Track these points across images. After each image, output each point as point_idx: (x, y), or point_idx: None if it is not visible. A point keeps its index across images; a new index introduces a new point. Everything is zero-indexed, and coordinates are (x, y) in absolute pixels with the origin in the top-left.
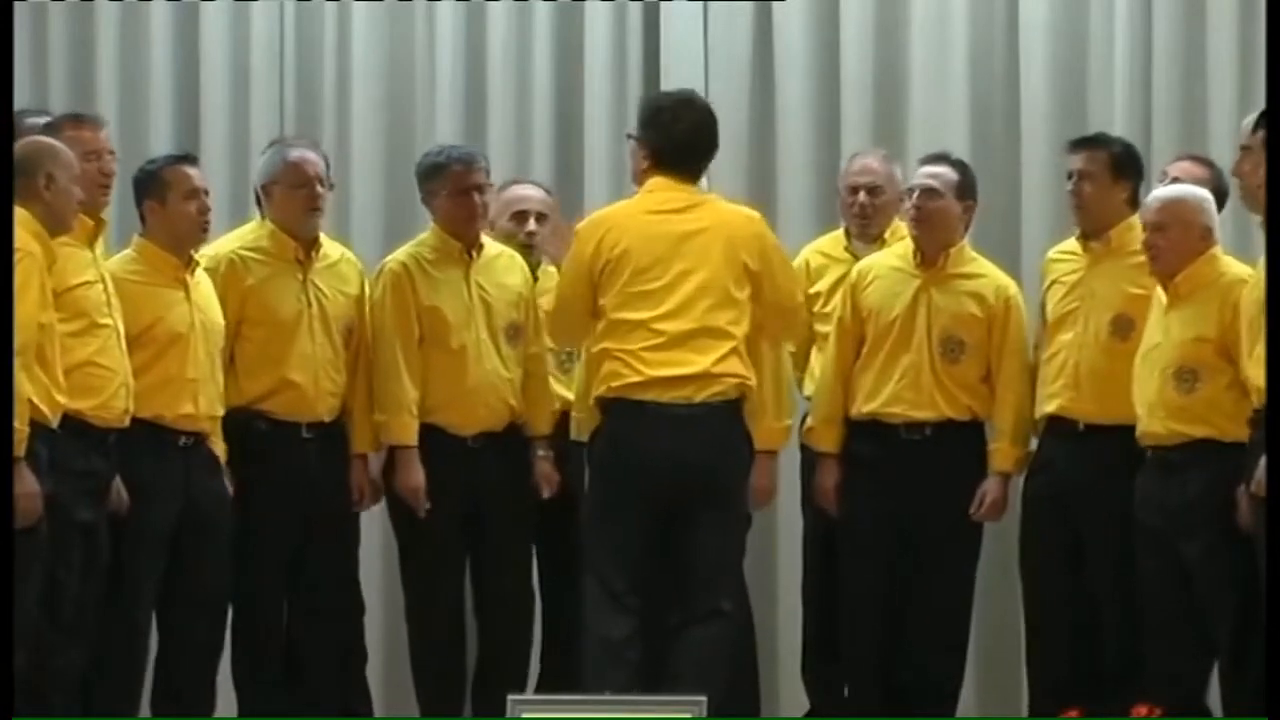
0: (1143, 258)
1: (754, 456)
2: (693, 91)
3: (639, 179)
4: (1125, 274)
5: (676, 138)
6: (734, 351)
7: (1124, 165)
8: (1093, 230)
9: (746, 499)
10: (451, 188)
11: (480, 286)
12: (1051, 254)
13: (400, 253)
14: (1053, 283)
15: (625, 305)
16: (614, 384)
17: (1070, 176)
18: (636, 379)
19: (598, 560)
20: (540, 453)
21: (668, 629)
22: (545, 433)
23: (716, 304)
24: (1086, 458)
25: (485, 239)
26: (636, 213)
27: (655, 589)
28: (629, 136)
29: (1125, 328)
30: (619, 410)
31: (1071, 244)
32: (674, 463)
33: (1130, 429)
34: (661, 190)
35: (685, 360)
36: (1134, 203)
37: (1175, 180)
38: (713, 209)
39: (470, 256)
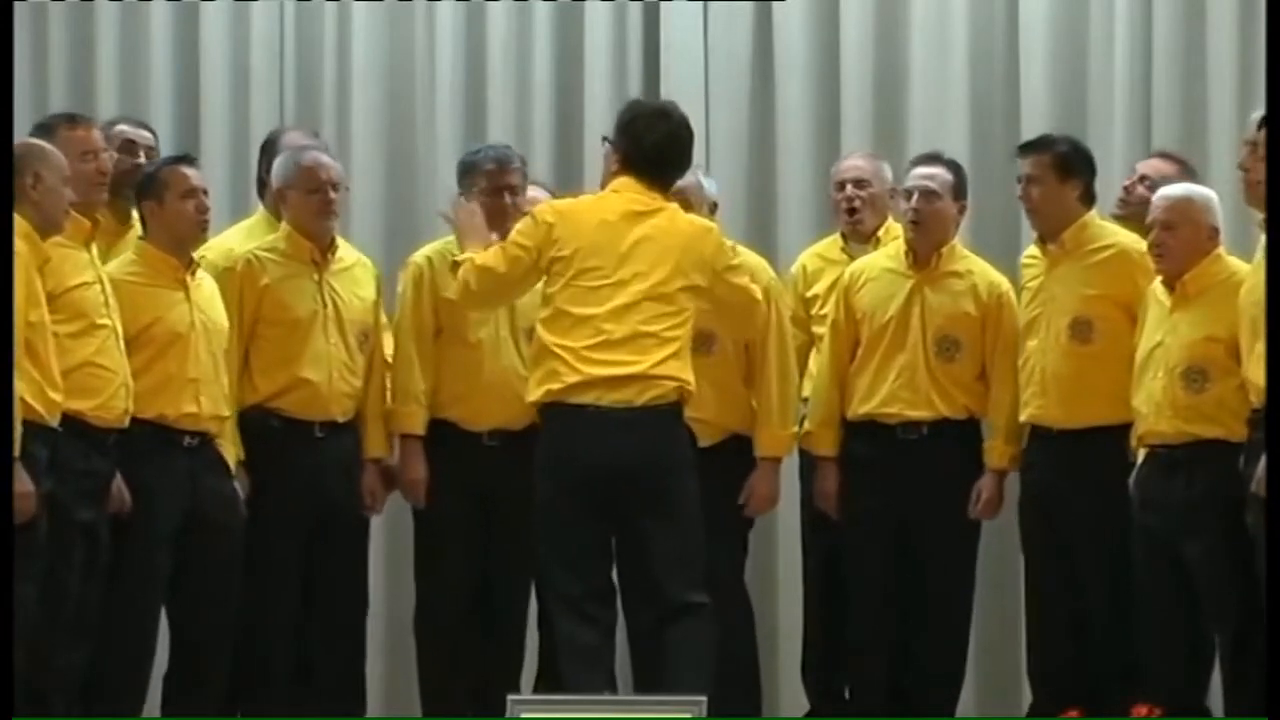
0: (1098, 257)
1: (695, 458)
2: (671, 104)
3: (606, 181)
4: (1080, 276)
5: (646, 148)
6: (675, 355)
7: (1071, 164)
8: (1047, 232)
9: (694, 500)
10: (485, 186)
11: None
12: (1023, 257)
13: (428, 248)
14: (1023, 288)
15: (572, 299)
16: (553, 387)
17: (1019, 180)
18: (577, 379)
19: (553, 570)
20: None
21: (640, 631)
22: None
23: (661, 310)
24: (1062, 461)
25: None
26: (597, 209)
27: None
28: (604, 140)
29: (1084, 331)
30: (559, 415)
31: (1033, 248)
32: (616, 467)
33: (1101, 431)
34: (626, 190)
35: (626, 362)
36: (1087, 200)
37: (1145, 178)
38: (670, 217)
39: None
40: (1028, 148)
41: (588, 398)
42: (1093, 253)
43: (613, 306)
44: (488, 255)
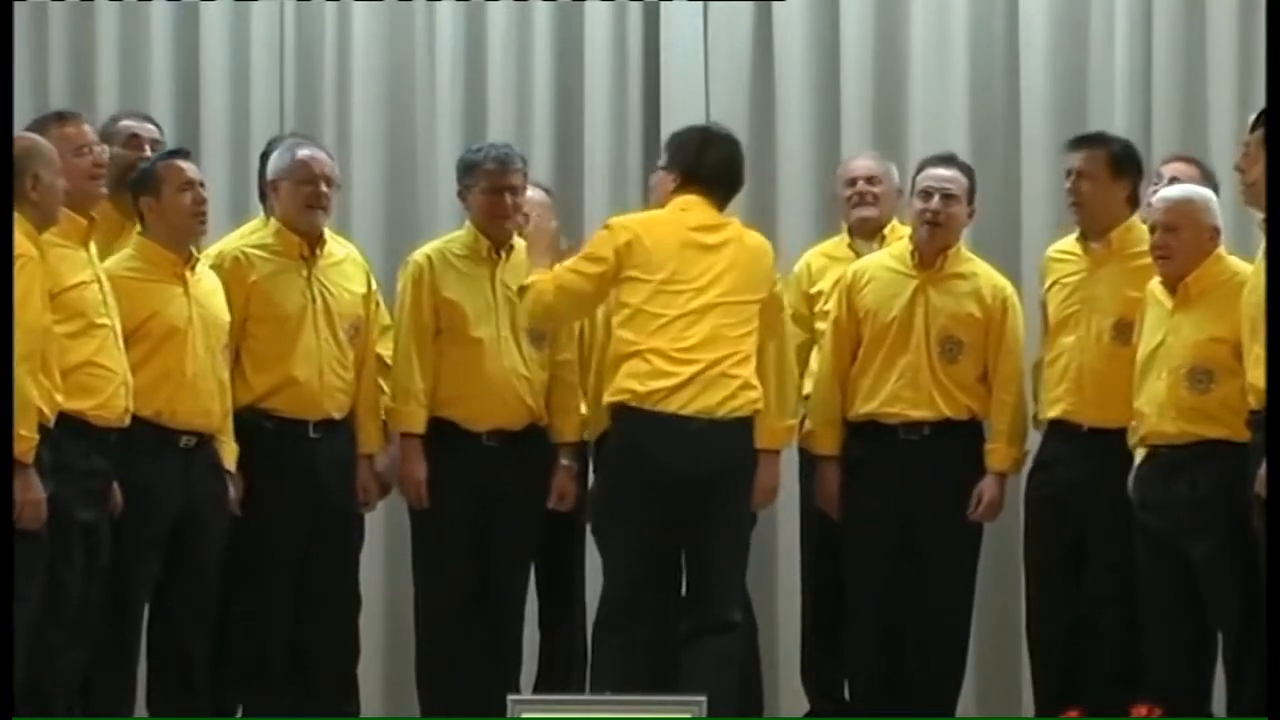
0: (1144, 260)
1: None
2: (718, 125)
3: (664, 201)
4: (1126, 278)
5: (707, 164)
6: (749, 360)
7: (1123, 163)
8: (1093, 230)
9: (748, 514)
10: (485, 185)
11: (506, 285)
12: (1051, 252)
13: (428, 246)
14: (1054, 283)
15: (652, 301)
16: (639, 389)
17: (1069, 175)
18: (666, 383)
19: (608, 565)
20: (564, 462)
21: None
22: (571, 440)
23: (735, 318)
24: (1090, 458)
25: (520, 240)
26: (673, 223)
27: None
28: (660, 168)
29: (1127, 332)
30: (633, 418)
31: (1071, 243)
32: (695, 476)
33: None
34: (693, 209)
35: (710, 360)
36: (1133, 201)
37: (1174, 180)
38: (738, 233)
39: (499, 255)
40: (1081, 142)
41: (674, 403)
42: (1138, 255)
43: (695, 308)
44: (565, 277)
